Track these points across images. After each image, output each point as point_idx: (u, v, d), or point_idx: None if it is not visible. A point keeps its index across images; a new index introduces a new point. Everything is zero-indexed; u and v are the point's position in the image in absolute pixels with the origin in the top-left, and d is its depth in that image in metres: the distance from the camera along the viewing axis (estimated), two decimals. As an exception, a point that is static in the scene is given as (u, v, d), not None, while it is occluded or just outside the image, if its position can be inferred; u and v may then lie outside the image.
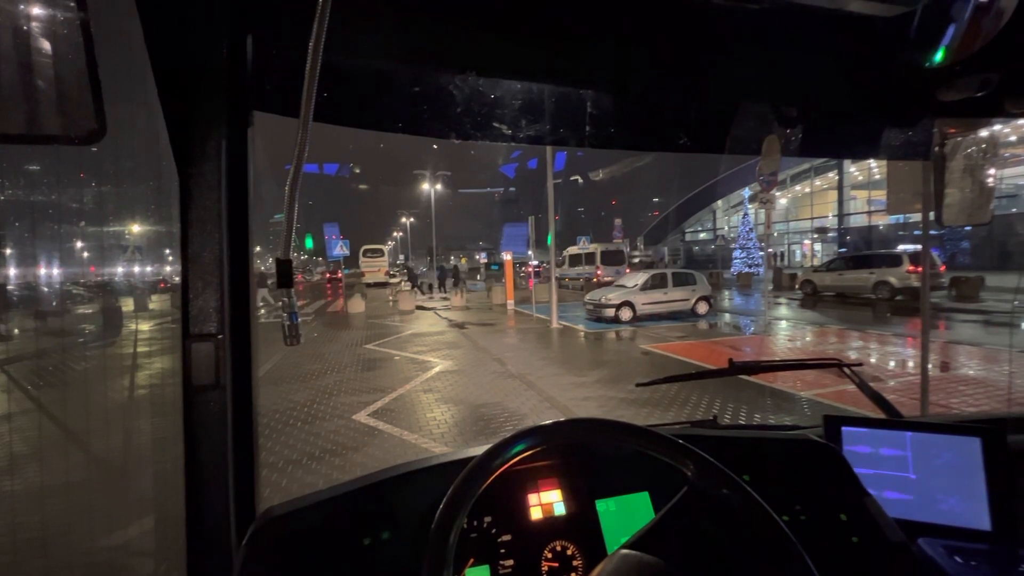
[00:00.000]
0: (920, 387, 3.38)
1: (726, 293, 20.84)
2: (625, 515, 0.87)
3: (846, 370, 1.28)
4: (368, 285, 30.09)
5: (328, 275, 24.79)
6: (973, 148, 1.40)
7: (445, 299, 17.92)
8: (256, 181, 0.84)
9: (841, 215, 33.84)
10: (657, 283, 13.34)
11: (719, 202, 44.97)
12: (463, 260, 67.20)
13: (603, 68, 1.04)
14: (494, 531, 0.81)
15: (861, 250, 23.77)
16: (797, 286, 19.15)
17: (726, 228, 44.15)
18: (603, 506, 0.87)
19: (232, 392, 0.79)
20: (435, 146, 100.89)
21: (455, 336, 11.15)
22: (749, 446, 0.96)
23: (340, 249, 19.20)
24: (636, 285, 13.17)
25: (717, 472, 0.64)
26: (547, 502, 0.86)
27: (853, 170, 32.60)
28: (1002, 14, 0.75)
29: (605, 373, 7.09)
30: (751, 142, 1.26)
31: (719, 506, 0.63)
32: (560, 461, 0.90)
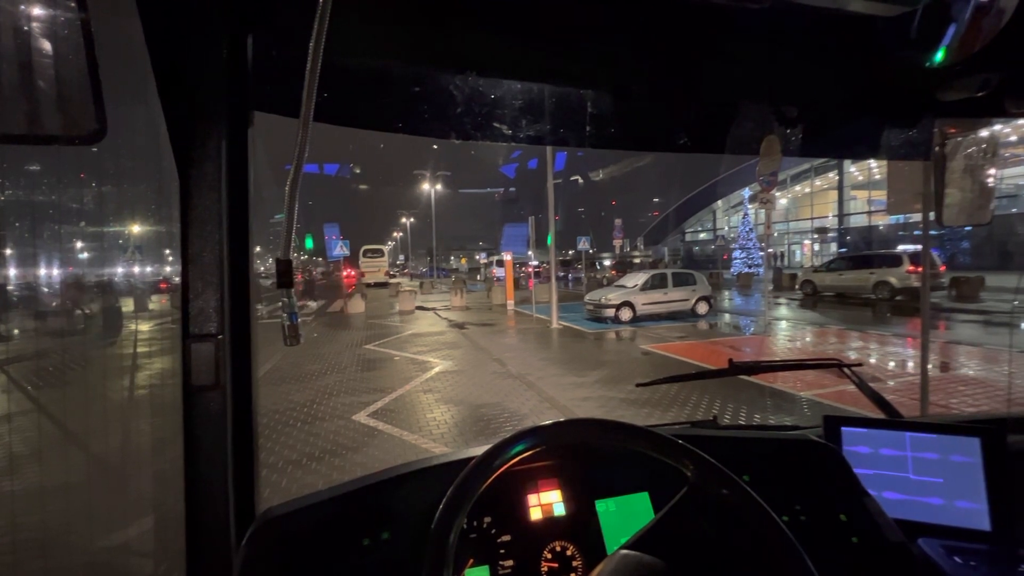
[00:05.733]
0: (920, 387, 3.38)
1: (726, 293, 20.85)
2: (625, 515, 0.87)
3: (846, 370, 1.28)
4: (368, 285, 30.42)
5: (347, 274, 27.32)
6: (973, 148, 1.40)
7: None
8: (256, 181, 0.84)
9: (841, 215, 33.85)
10: (657, 283, 13.33)
11: (719, 202, 44.99)
12: (463, 260, 67.18)
13: (603, 68, 1.04)
14: (494, 531, 0.81)
15: (861, 250, 23.80)
16: (797, 286, 19.16)
17: (726, 228, 44.17)
18: (603, 506, 0.87)
19: (232, 392, 0.79)
20: (435, 146, 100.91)
21: (455, 336, 11.15)
22: (749, 446, 0.96)
23: (340, 249, 19.12)
24: (636, 285, 13.16)
25: (717, 472, 0.64)
26: (547, 502, 0.85)
27: (853, 170, 32.62)
28: (1002, 14, 0.75)
29: (605, 373, 7.09)
30: (751, 142, 1.26)
31: (719, 506, 0.63)
32: (560, 461, 0.89)
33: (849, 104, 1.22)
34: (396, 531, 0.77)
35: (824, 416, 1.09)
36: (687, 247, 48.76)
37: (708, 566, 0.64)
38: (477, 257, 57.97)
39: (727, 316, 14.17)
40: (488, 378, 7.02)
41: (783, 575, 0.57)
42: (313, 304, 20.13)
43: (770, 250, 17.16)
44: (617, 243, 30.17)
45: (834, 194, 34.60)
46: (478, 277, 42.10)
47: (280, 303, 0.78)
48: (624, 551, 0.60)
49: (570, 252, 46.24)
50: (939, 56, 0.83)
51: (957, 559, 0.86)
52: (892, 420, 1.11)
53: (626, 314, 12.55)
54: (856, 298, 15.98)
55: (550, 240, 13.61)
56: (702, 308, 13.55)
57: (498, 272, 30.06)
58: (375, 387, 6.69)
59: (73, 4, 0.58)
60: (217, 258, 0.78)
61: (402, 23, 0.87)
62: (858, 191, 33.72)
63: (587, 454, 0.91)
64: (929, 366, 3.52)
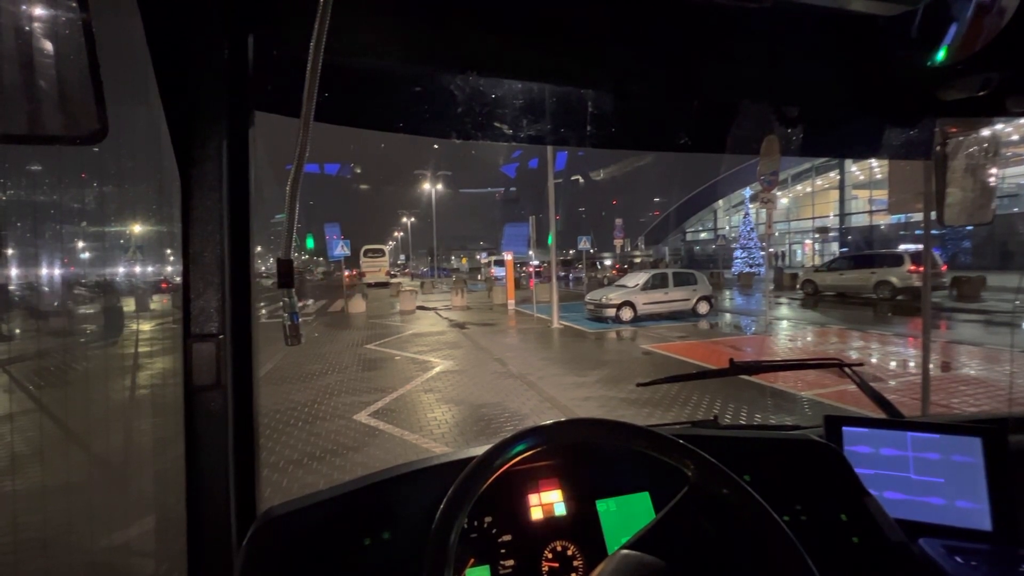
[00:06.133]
0: (921, 387, 3.38)
1: (727, 293, 20.83)
2: (626, 515, 0.87)
3: (847, 370, 1.28)
4: (369, 285, 30.44)
5: (349, 274, 28.25)
6: (975, 147, 1.40)
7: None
8: (257, 181, 0.84)
9: (842, 215, 33.82)
10: (658, 283, 13.32)
11: (720, 202, 44.98)
12: (464, 260, 67.24)
13: (603, 68, 1.04)
14: (495, 531, 0.81)
15: (862, 250, 23.78)
16: (798, 286, 19.14)
17: (727, 228, 44.16)
18: (603, 506, 0.87)
19: (233, 392, 0.79)
20: (436, 146, 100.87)
21: (456, 336, 11.15)
22: (750, 446, 0.96)
23: (341, 249, 19.12)
24: (637, 285, 13.16)
25: (718, 472, 0.64)
26: (547, 502, 0.85)
27: (854, 169, 32.59)
28: (1004, 13, 0.75)
29: (606, 373, 7.09)
30: (752, 142, 1.26)
31: (719, 506, 0.63)
32: (561, 461, 0.89)
33: (850, 103, 1.22)
34: (397, 531, 0.77)
35: (825, 416, 1.09)
36: (688, 247, 48.77)
37: (708, 566, 0.64)
38: (478, 257, 57.98)
39: (728, 316, 14.16)
40: (489, 378, 7.02)
41: (784, 575, 0.57)
42: (313, 304, 20.18)
43: (771, 250, 17.15)
44: (618, 243, 30.14)
45: (835, 193, 34.56)
46: (479, 277, 42.06)
47: (281, 303, 0.79)
48: (625, 551, 0.60)
49: (571, 252, 46.28)
50: (940, 55, 0.83)
51: (958, 559, 0.86)
52: (893, 420, 1.11)
53: (627, 314, 12.54)
54: (857, 298, 15.96)
55: (551, 240, 13.61)
56: (703, 308, 13.54)
57: (498, 272, 30.28)
58: (376, 387, 6.69)
59: (74, 4, 0.58)
60: (218, 258, 0.78)
61: (402, 23, 0.87)
62: (859, 190, 33.68)
63: (588, 454, 0.91)
64: (930, 366, 3.51)
